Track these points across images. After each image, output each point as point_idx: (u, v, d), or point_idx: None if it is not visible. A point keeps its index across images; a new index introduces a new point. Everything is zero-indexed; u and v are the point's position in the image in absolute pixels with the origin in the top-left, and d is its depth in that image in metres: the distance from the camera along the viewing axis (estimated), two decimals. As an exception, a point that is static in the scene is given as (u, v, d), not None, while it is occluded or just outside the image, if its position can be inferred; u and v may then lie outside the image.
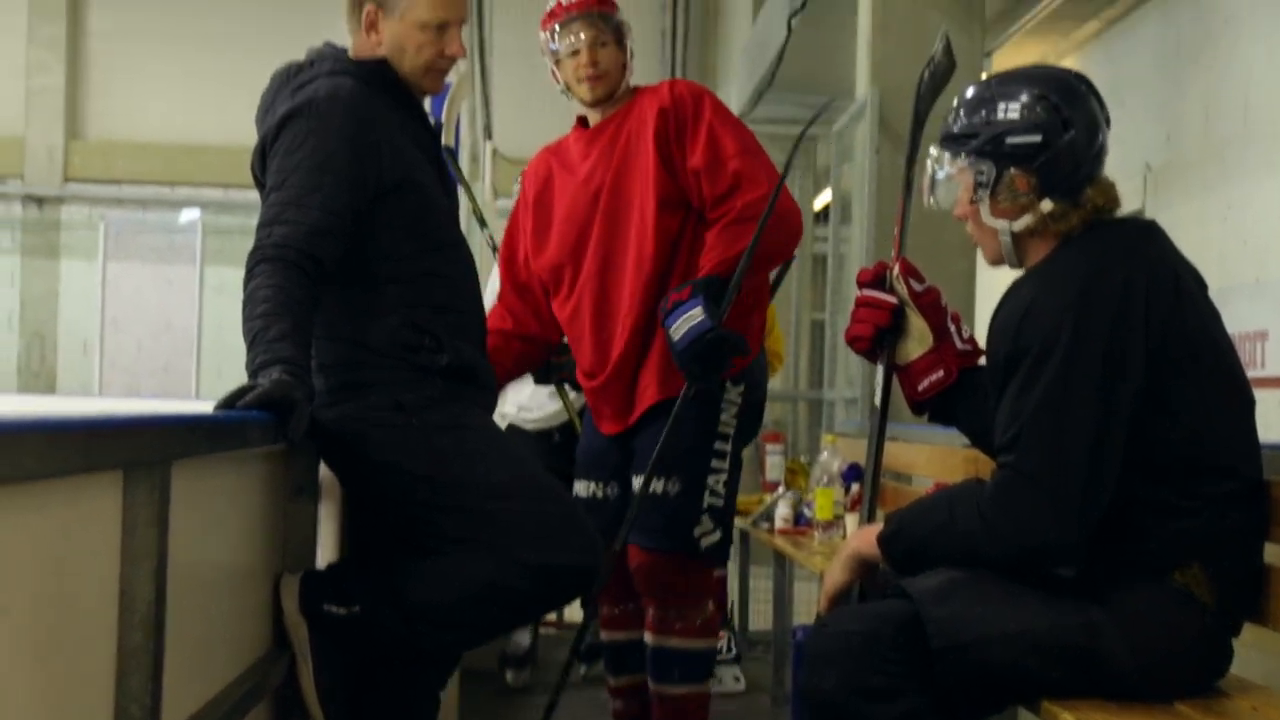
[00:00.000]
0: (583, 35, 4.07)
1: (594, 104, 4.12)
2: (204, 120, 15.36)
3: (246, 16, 15.46)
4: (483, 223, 6.29)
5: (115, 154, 15.67)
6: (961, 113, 2.93)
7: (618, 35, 4.12)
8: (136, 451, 2.19)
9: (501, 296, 4.33)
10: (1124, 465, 2.71)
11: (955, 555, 2.79)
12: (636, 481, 4.01)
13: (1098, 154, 2.87)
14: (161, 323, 15.59)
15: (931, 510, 2.88)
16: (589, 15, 4.08)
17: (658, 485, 3.95)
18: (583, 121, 4.21)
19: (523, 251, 4.26)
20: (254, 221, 3.14)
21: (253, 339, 2.89)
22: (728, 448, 4.02)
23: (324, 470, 3.29)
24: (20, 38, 15.53)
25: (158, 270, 15.70)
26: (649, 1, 15.57)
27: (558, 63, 4.13)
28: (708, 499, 3.98)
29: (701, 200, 3.96)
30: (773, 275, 5.32)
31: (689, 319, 3.81)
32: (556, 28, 4.11)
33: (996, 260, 2.95)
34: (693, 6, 15.45)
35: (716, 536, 4.01)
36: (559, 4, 4.14)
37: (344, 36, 3.36)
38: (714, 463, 4.00)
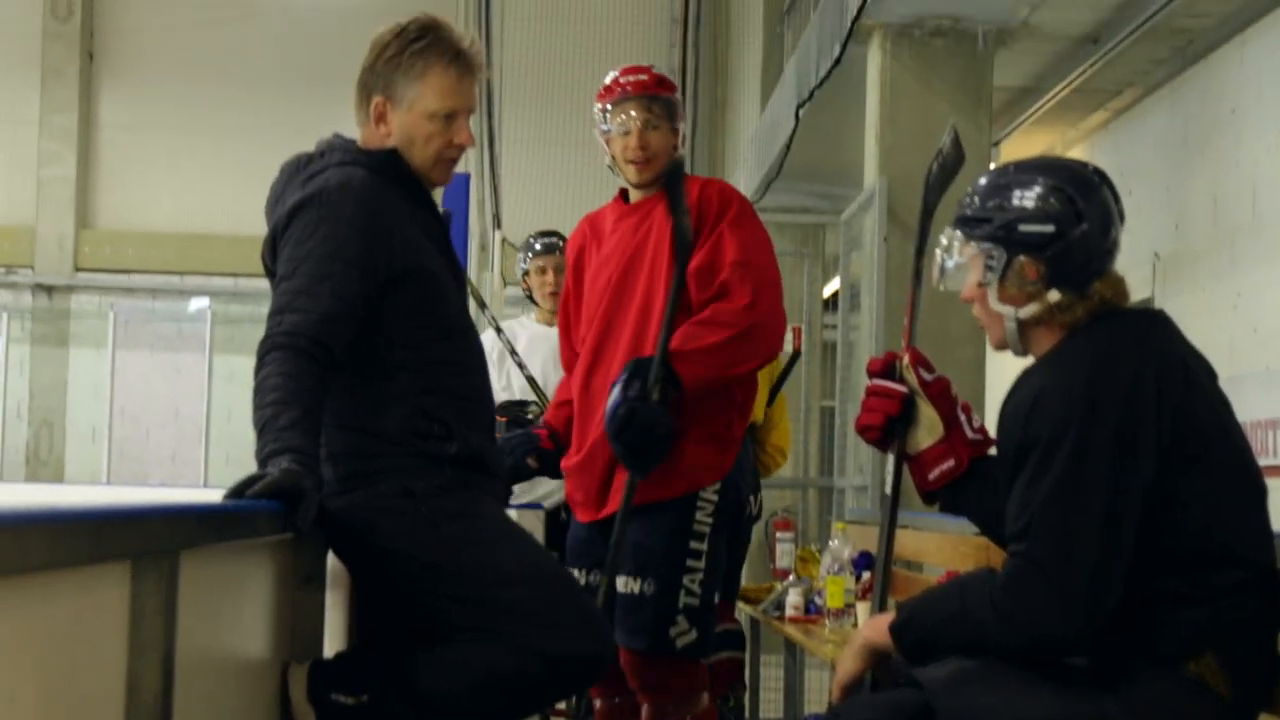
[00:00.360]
0: (634, 114, 4.06)
1: (639, 186, 4.11)
2: (213, 210, 15.47)
3: (256, 109, 15.60)
4: (482, 304, 6.35)
5: (125, 243, 15.77)
6: (976, 197, 2.94)
7: (670, 117, 4.09)
8: (145, 541, 2.19)
9: (565, 364, 4.35)
10: (1135, 555, 2.69)
11: (967, 644, 2.78)
12: (619, 581, 4.01)
13: (1110, 249, 2.88)
14: (170, 411, 15.62)
15: (943, 599, 2.86)
16: (643, 97, 4.07)
17: (634, 585, 3.94)
18: (624, 194, 4.20)
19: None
20: (263, 310, 3.14)
21: (262, 427, 2.90)
22: (704, 547, 3.99)
23: (331, 559, 3.28)
24: (32, 128, 15.67)
25: (166, 359, 15.76)
26: (657, 91, 15.67)
27: (608, 140, 4.12)
28: (683, 599, 3.95)
29: (692, 303, 3.95)
30: (778, 370, 5.28)
31: (611, 398, 3.83)
32: (609, 106, 4.10)
33: (1000, 345, 2.96)
34: (701, 96, 15.57)
35: (693, 636, 3.98)
36: (615, 81, 4.12)
37: (354, 128, 3.37)
38: (689, 562, 3.97)
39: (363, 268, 3.11)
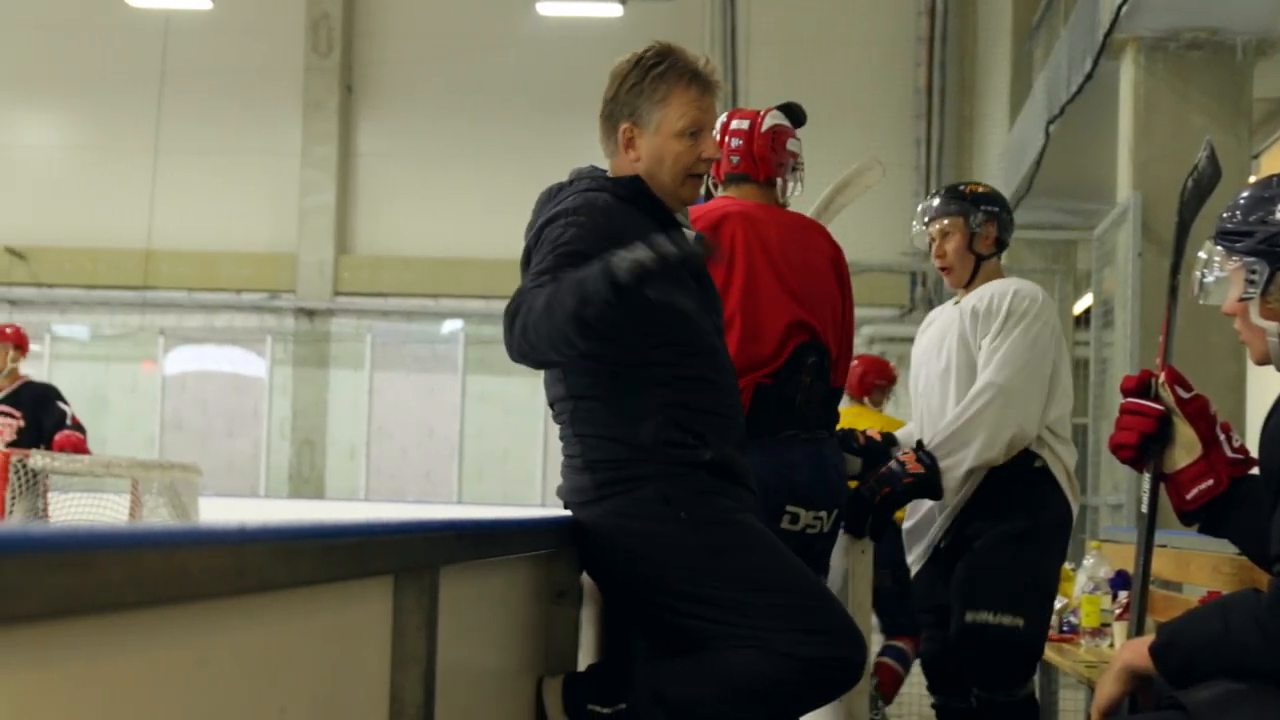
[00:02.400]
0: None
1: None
2: (465, 235, 15.79)
3: (507, 135, 15.90)
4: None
5: (382, 268, 16.18)
6: (1238, 210, 2.88)
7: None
8: (407, 557, 2.25)
9: None
10: None
11: (1231, 667, 2.70)
12: None
13: None
14: (425, 429, 15.96)
15: (1205, 620, 2.79)
16: None
17: None
18: None
19: None
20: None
21: (560, 315, 2.87)
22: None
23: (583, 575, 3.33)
24: (295, 159, 16.18)
25: (421, 379, 16.11)
26: (903, 110, 15.59)
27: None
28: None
29: None
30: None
31: None
32: None
33: (1262, 360, 2.88)
34: (947, 114, 15.41)
35: None
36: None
37: (599, 152, 3.44)
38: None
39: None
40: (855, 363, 7.00)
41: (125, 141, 16.25)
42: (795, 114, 4.28)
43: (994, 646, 4.50)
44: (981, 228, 4.76)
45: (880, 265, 14.90)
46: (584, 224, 3.20)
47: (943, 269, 4.84)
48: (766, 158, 4.24)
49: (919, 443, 4.51)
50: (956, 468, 4.46)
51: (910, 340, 5.32)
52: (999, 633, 4.47)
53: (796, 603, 3.17)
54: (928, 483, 4.45)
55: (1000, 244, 4.81)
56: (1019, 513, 4.53)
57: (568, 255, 3.11)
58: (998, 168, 11.80)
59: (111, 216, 16.21)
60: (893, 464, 4.42)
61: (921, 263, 14.58)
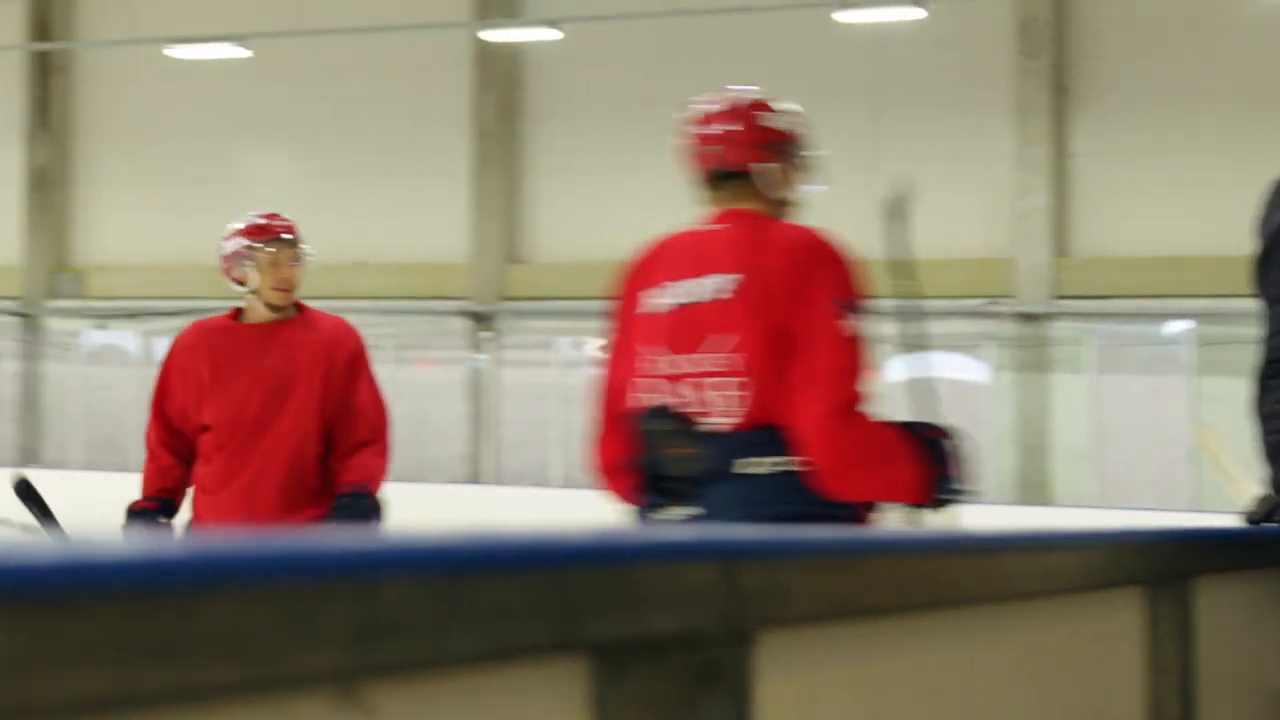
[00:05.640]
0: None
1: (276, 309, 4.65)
2: (1189, 231, 15.32)
3: (1228, 127, 15.33)
4: None
5: (1101, 269, 15.92)
6: None
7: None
8: (1158, 566, 2.20)
9: None
10: None
11: None
12: None
13: None
14: (1152, 434, 15.58)
15: None
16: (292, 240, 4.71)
17: None
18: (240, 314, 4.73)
19: None
20: (1246, 331, 3.04)
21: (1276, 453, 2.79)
22: None
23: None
24: (1007, 162, 16.18)
25: (1147, 382, 15.75)
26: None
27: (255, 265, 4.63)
28: None
29: None
30: None
31: None
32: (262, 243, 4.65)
33: None
34: None
35: None
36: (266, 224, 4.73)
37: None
38: None
39: None
40: None
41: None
42: None
43: None
44: None
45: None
46: None
47: None
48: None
49: None
50: None
51: None
52: None
53: None
54: None
55: None
56: None
57: None
58: None
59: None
60: None
61: None
